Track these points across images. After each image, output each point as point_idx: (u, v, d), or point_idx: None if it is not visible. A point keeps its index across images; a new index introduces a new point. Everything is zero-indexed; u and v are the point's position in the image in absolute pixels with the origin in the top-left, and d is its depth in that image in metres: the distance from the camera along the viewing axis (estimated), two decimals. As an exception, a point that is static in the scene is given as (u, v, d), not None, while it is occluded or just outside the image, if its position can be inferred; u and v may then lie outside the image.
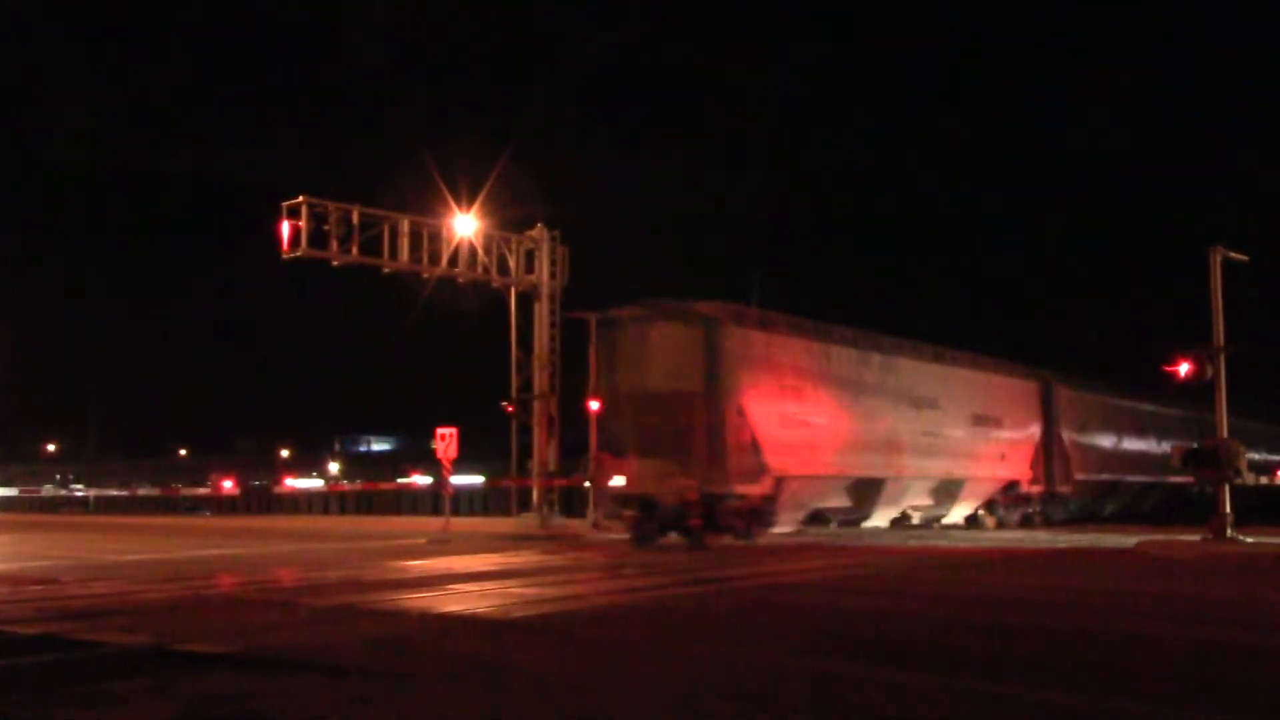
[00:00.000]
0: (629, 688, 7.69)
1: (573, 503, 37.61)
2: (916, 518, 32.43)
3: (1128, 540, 24.62)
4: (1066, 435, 36.81)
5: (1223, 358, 24.57)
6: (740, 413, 24.49)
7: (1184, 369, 24.73)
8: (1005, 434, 33.94)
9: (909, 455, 29.69)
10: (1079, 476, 36.95)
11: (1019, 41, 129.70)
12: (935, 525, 32.84)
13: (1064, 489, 36.23)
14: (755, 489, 24.61)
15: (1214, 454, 24.06)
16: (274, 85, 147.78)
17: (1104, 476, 39.19)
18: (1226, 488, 24.22)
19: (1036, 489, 35.03)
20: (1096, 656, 9.06)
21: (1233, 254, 24.97)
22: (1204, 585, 15.66)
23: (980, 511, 34.31)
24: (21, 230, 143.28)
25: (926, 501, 32.07)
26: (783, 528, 26.78)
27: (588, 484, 33.77)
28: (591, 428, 33.37)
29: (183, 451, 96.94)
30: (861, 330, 29.60)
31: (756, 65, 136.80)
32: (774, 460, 24.98)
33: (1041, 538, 27.50)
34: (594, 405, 32.87)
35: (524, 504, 35.93)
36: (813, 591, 14.62)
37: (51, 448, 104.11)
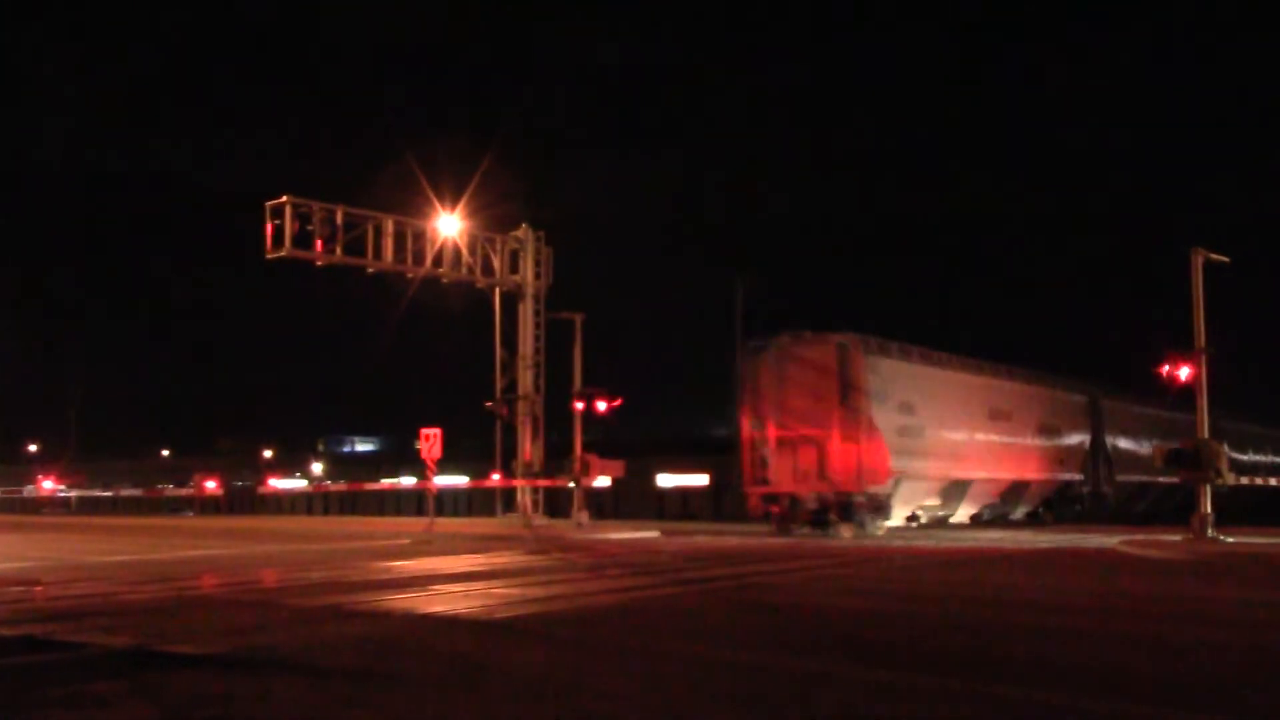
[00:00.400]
0: (616, 689, 7.68)
1: (558, 503, 37.60)
2: (987, 514, 35.75)
3: (1109, 540, 24.75)
4: (1109, 442, 40.92)
5: (1204, 359, 24.74)
6: (869, 425, 28.81)
7: (1183, 371, 24.92)
8: (1063, 441, 38.27)
9: (990, 461, 33.81)
10: (1119, 478, 41.19)
11: (1015, 45, 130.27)
12: (1003, 521, 36.31)
13: (1106, 489, 40.37)
14: (879, 489, 29.14)
15: (1195, 455, 24.24)
16: (258, 85, 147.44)
17: (1139, 478, 42.50)
18: (1207, 488, 24.41)
19: (1086, 489, 39.27)
20: (1079, 656, 9.11)
21: (1213, 255, 25.14)
22: (1180, 584, 15.76)
23: (1040, 509, 37.65)
24: (4, 231, 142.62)
25: (998, 500, 35.77)
26: (893, 522, 30.92)
27: (572, 484, 33.81)
28: (576, 428, 33.42)
29: (166, 452, 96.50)
30: (954, 354, 34.15)
31: (744, 67, 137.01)
32: (894, 464, 29.32)
33: (1023, 538, 27.64)
34: (579, 406, 32.95)
35: (508, 504, 35.92)
36: (797, 591, 14.66)
37: (34, 448, 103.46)
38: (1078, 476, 38.67)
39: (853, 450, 28.41)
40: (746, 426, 30.26)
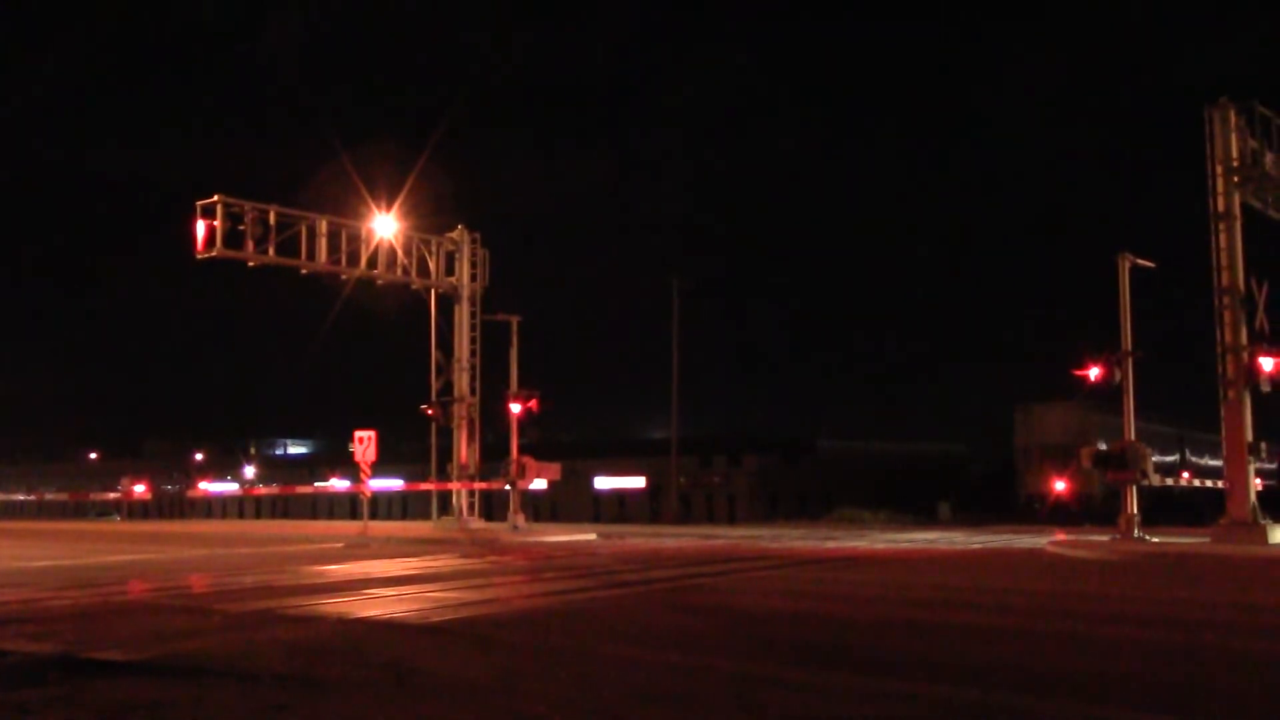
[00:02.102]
0: (550, 691, 7.69)
1: (494, 506, 37.43)
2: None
3: (1039, 540, 25.19)
4: (1191, 460, 57.93)
5: (1130, 362, 25.25)
6: (1095, 450, 43.74)
7: (1094, 373, 25.37)
8: (1165, 459, 50.76)
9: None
10: (1195, 485, 55.83)
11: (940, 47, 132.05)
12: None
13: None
14: (1096, 491, 44.73)
15: (1121, 456, 24.75)
16: (191, 84, 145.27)
17: (1209, 484, 51.37)
18: (1133, 488, 24.92)
19: (1178, 493, 52.31)
20: (1010, 654, 9.27)
21: (1139, 260, 25.66)
22: (1103, 584, 16.07)
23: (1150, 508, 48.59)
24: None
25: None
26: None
27: (509, 487, 33.69)
28: (512, 430, 33.32)
29: (93, 455, 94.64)
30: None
31: (678, 70, 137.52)
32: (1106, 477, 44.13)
33: (957, 539, 28.06)
34: (515, 409, 32.88)
35: (444, 507, 35.69)
36: (732, 594, 14.75)
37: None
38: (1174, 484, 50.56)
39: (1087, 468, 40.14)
40: (1020, 456, 49.93)
